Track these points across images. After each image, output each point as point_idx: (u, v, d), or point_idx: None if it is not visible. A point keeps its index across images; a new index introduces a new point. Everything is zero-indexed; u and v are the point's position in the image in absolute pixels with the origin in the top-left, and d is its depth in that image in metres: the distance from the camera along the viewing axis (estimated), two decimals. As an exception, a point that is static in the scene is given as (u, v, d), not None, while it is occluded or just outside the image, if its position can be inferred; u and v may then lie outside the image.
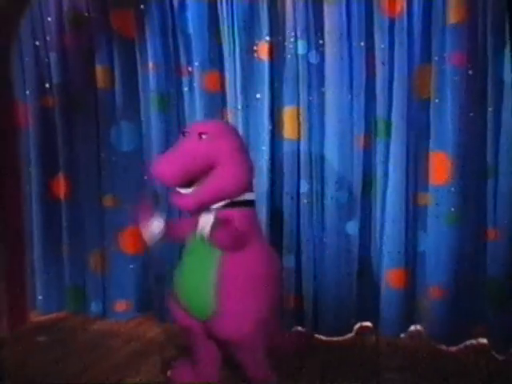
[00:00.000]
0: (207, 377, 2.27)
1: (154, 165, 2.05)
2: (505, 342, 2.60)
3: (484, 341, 2.71)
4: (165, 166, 2.01)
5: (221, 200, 2.05)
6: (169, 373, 2.36)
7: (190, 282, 2.14)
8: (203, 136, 2.03)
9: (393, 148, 2.69)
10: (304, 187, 2.82)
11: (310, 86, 2.77)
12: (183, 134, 2.12)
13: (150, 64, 2.89)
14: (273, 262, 2.25)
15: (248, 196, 2.13)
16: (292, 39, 2.74)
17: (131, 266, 3.14)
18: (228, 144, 2.07)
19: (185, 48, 2.88)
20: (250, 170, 2.14)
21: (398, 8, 2.62)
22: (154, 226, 2.18)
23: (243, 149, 2.15)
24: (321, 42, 2.73)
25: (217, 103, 2.91)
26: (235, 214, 2.06)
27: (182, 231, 2.26)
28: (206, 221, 2.07)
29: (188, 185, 2.03)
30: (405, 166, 2.71)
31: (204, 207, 2.06)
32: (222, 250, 2.05)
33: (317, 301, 2.88)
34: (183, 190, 2.04)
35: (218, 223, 2.00)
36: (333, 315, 2.85)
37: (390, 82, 2.67)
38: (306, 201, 2.82)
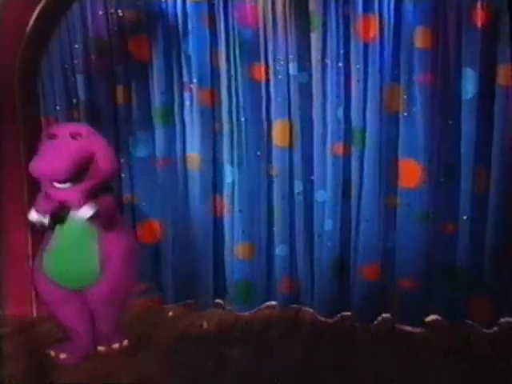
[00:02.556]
0: (84, 349, 2.61)
1: (37, 164, 2.23)
2: (458, 316, 3.07)
3: (437, 317, 3.15)
4: (54, 164, 2.21)
5: (99, 189, 2.38)
6: (52, 353, 2.62)
7: (71, 256, 2.47)
8: (78, 137, 2.32)
9: (367, 155, 3.08)
10: (298, 188, 3.24)
11: (298, 102, 3.18)
12: (49, 136, 2.38)
13: (157, 82, 3.33)
14: (132, 238, 2.67)
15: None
16: (282, 62, 3.16)
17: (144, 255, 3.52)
18: (101, 142, 2.44)
19: (188, 68, 3.30)
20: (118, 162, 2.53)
21: (371, 34, 3.01)
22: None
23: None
24: (308, 64, 3.15)
25: (211, 116, 3.33)
26: (108, 198, 2.45)
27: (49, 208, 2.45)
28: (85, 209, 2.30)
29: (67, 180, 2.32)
30: (378, 171, 3.09)
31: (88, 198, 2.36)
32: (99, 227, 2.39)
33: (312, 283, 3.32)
34: (60, 185, 2.32)
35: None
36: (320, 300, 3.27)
37: (365, 98, 3.06)
38: (301, 197, 3.24)
